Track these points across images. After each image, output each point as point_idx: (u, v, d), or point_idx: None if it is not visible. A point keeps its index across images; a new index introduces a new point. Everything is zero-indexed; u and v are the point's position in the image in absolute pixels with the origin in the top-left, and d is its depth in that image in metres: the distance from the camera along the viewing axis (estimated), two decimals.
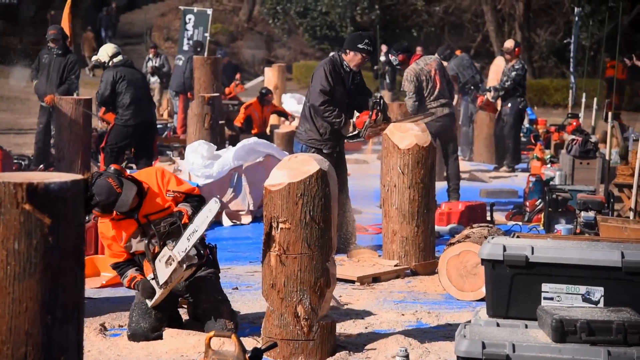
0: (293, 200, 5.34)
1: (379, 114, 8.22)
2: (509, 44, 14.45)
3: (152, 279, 5.68)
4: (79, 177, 3.36)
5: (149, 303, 5.75)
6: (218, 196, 5.77)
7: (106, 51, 10.98)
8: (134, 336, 5.78)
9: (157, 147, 12.57)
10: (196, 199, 5.80)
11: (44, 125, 12.45)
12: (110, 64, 10.88)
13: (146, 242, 5.65)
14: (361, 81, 8.49)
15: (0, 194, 3.23)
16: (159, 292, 5.68)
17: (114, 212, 5.61)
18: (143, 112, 10.87)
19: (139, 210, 5.71)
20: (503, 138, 14.45)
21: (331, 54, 9.78)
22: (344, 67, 8.27)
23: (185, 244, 5.52)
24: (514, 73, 14.04)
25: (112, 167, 5.67)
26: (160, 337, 5.78)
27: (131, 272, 5.83)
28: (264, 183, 5.50)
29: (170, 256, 5.56)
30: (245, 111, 16.04)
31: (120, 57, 10.93)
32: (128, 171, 5.90)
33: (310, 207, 5.34)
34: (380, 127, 8.18)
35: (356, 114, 8.55)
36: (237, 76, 20.47)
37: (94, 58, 11.19)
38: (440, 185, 11.14)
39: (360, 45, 8.19)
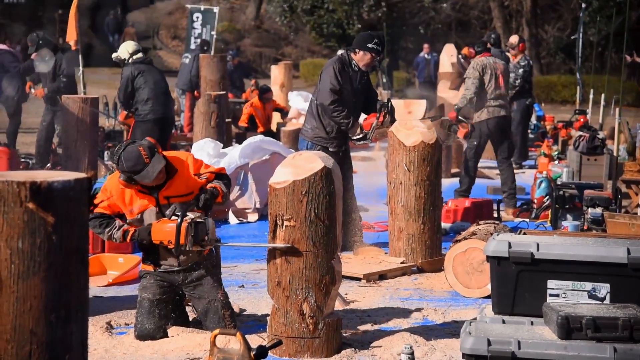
0: (298, 197, 5.33)
1: (387, 116, 8.21)
2: (513, 39, 14.43)
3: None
4: (82, 175, 3.35)
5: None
6: None
7: (126, 48, 11.06)
8: (141, 338, 5.78)
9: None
10: (226, 177, 5.87)
11: (47, 123, 12.50)
12: (129, 61, 10.94)
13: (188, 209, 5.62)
14: (368, 81, 8.48)
15: (4, 192, 3.22)
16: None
17: (138, 185, 5.60)
18: (161, 107, 10.93)
19: (161, 189, 5.68)
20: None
21: (339, 52, 9.77)
22: (353, 66, 8.25)
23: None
24: (521, 70, 14.00)
25: (148, 139, 5.71)
26: (166, 335, 5.78)
27: (121, 224, 5.69)
28: (269, 181, 5.50)
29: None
30: (247, 111, 16.06)
31: (140, 55, 11.01)
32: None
33: (315, 205, 5.33)
34: (387, 129, 8.17)
35: (363, 115, 8.53)
36: (252, 82, 20.45)
37: (114, 55, 11.22)
38: (447, 182, 11.12)
39: (370, 45, 8.18)
